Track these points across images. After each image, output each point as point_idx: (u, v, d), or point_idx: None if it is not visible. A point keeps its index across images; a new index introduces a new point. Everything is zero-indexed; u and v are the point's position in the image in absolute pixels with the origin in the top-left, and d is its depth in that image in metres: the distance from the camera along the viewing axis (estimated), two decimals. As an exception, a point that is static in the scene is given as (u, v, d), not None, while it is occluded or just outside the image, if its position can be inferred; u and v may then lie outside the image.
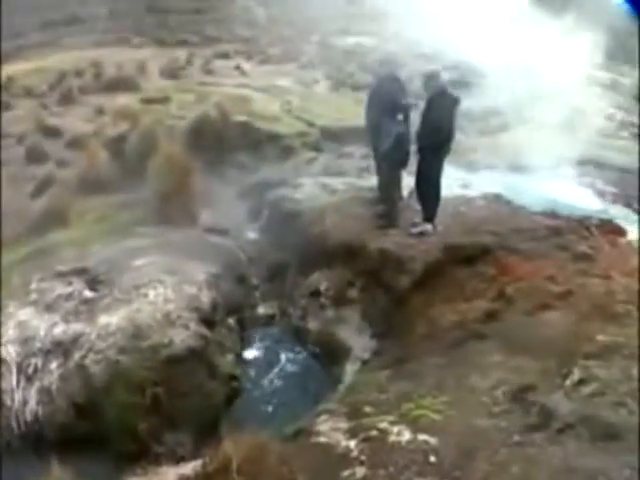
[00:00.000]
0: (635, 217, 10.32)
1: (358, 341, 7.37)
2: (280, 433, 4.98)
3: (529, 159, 11.70)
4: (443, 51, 15.81)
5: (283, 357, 7.44)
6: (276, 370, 7.18)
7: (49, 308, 6.60)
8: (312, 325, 7.79)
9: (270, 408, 6.53)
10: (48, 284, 7.07)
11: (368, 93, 9.05)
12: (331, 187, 10.16)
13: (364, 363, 6.99)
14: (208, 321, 6.78)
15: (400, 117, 8.04)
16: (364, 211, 8.87)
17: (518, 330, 5.88)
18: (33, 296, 6.84)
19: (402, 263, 7.51)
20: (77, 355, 5.95)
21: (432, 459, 4.07)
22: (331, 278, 8.02)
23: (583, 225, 8.58)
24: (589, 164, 13.03)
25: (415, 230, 8.09)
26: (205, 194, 10.11)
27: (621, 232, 8.62)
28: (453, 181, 10.22)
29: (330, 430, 4.75)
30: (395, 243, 7.85)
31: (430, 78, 7.91)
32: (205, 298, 7.03)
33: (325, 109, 16.88)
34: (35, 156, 12.81)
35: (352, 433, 4.60)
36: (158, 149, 9.80)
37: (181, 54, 24.94)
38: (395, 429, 4.48)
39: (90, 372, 5.81)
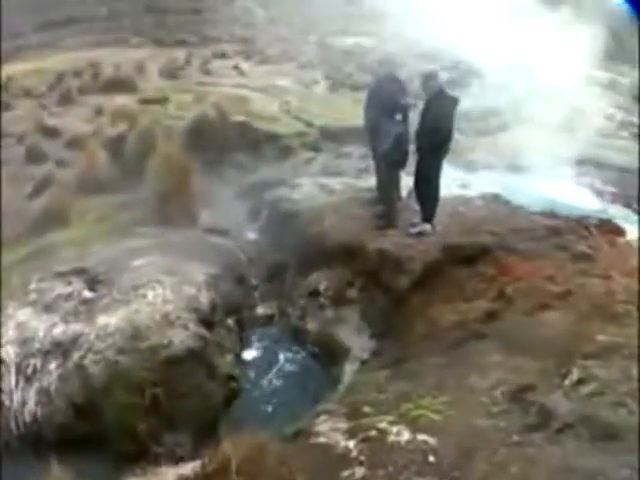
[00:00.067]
0: (634, 217, 10.33)
1: (357, 341, 7.36)
2: (279, 433, 4.98)
3: (528, 159, 11.71)
4: (442, 51, 15.82)
5: (282, 357, 7.44)
6: (275, 370, 7.18)
7: (48, 308, 6.59)
8: (311, 325, 7.79)
9: (269, 408, 6.53)
10: (47, 284, 7.06)
11: (367, 93, 9.05)
12: (330, 187, 10.16)
13: (363, 363, 6.99)
14: (207, 322, 6.78)
15: (399, 117, 8.05)
16: (363, 211, 8.87)
17: (517, 330, 5.88)
18: (32, 296, 6.83)
19: (401, 263, 7.51)
20: (76, 355, 5.95)
21: (431, 459, 4.07)
22: (330, 278, 8.01)
23: (582, 225, 8.58)
24: (588, 164, 13.05)
25: (414, 230, 8.09)
26: (204, 194, 10.11)
27: (620, 232, 8.63)
28: (452, 181, 10.22)
29: (329, 430, 4.75)
30: (394, 243, 7.85)
31: (429, 78, 7.91)
32: (204, 299, 7.03)
33: (324, 109, 16.88)
34: (34, 156, 12.80)
35: (351, 433, 4.59)
36: (157, 149, 9.80)
37: (180, 54, 24.95)
38: (394, 429, 4.48)
39: (89, 372, 5.81)
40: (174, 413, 5.87)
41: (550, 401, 4.45)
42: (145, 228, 8.88)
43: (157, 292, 6.77)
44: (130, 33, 31.61)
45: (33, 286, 7.04)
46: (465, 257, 7.62)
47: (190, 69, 22.80)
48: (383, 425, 4.56)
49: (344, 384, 6.62)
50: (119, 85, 18.62)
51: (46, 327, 6.26)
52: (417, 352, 6.31)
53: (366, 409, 5.00)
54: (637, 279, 6.35)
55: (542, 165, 11.55)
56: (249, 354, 7.51)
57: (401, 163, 8.28)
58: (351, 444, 4.43)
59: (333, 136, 14.50)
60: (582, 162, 12.77)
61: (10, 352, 5.97)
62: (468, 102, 10.85)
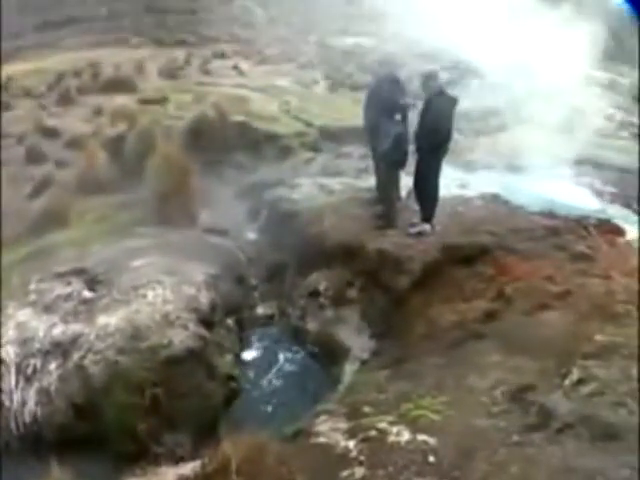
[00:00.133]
0: (634, 217, 10.33)
1: (357, 341, 7.37)
2: (279, 433, 4.98)
3: (527, 159, 11.71)
4: (442, 51, 15.82)
5: (282, 357, 7.44)
6: (275, 370, 7.18)
7: (48, 309, 6.59)
8: (311, 325, 7.79)
9: (269, 408, 6.53)
10: (47, 285, 7.07)
11: (366, 93, 9.05)
12: (329, 187, 10.17)
13: (363, 363, 6.99)
14: (207, 322, 6.78)
15: (398, 117, 8.05)
16: (362, 211, 8.88)
17: (517, 330, 5.89)
18: (32, 297, 6.83)
19: (401, 263, 7.52)
20: (76, 356, 5.95)
21: (431, 459, 4.07)
22: (330, 278, 8.02)
23: (581, 225, 8.59)
24: (587, 164, 13.05)
25: (413, 230, 8.10)
26: (203, 194, 10.11)
27: (620, 232, 8.64)
28: (451, 181, 10.23)
29: (329, 430, 4.75)
30: (393, 243, 7.85)
31: (428, 78, 7.91)
32: (204, 299, 7.03)
33: (323, 109, 16.89)
34: (34, 156, 12.79)
35: (351, 433, 4.60)
36: (156, 149, 9.80)
37: (179, 54, 24.94)
38: (394, 429, 4.48)
39: (89, 373, 5.81)
40: (174, 413, 5.87)
41: (550, 401, 4.45)
42: (145, 228, 8.88)
43: (157, 292, 6.78)
44: (130, 33, 31.59)
45: (33, 286, 7.04)
46: (464, 257, 7.63)
47: (190, 69, 22.79)
48: (383, 425, 4.57)
49: (344, 384, 6.63)
50: (119, 85, 18.61)
51: (46, 327, 6.26)
52: (417, 352, 6.31)
53: (366, 409, 5.00)
54: (636, 279, 6.36)
55: (541, 165, 11.55)
56: (249, 354, 7.51)
57: (401, 163, 8.29)
58: (351, 444, 4.43)
59: (333, 136, 14.50)
60: (581, 162, 12.77)
61: (10, 352, 5.97)
62: (467, 102, 10.84)
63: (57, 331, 6.21)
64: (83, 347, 6.00)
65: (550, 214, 9.09)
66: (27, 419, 5.67)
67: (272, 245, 9.41)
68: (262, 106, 16.47)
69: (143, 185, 9.74)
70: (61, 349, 6.04)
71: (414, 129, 7.95)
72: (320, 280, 8.08)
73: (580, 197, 11.59)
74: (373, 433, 4.49)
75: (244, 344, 7.62)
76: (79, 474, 4.62)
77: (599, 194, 11.97)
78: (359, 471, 4.06)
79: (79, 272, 7.33)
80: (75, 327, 6.24)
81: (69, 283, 7.08)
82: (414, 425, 4.51)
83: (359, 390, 5.82)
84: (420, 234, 8.02)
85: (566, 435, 4.08)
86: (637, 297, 5.87)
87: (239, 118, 14.04)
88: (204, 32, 31.21)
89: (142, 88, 18.72)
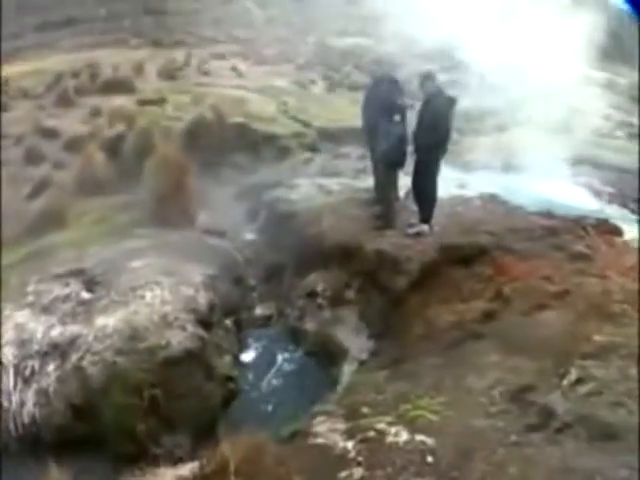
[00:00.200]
0: (632, 217, 10.34)
1: (355, 342, 7.36)
2: (277, 434, 4.99)
3: (525, 159, 11.72)
4: (440, 51, 15.82)
5: (280, 358, 7.43)
6: (273, 371, 7.17)
7: (46, 310, 6.58)
8: (309, 326, 7.78)
9: (267, 409, 6.52)
10: (45, 286, 7.06)
11: (365, 94, 9.06)
12: (328, 188, 10.18)
13: (361, 364, 6.99)
14: (205, 322, 6.77)
15: (397, 118, 8.05)
16: (361, 212, 8.89)
17: (515, 330, 5.89)
18: (30, 298, 6.82)
19: (399, 264, 7.52)
20: (74, 357, 5.94)
21: (430, 459, 4.07)
22: (328, 279, 8.02)
23: (579, 225, 8.60)
24: (585, 164, 13.07)
25: (412, 231, 8.10)
26: (202, 195, 10.11)
27: (617, 232, 8.64)
28: (449, 181, 10.24)
29: (327, 431, 4.75)
30: (392, 244, 7.85)
31: (426, 78, 7.92)
32: (202, 299, 7.02)
33: (322, 110, 16.92)
34: (32, 157, 12.79)
35: (349, 434, 4.60)
36: (155, 150, 9.80)
37: (178, 55, 24.94)
38: (393, 430, 4.48)
39: (87, 374, 5.80)
40: (172, 414, 5.87)
41: (548, 401, 4.46)
42: (143, 229, 8.87)
43: (155, 293, 6.77)
44: (128, 34, 31.64)
45: (31, 287, 7.03)
46: (463, 257, 7.63)
47: (188, 70, 22.80)
48: (381, 426, 4.57)
49: (342, 385, 6.62)
50: (117, 86, 18.61)
51: (44, 328, 6.25)
52: (415, 352, 6.32)
53: (364, 410, 5.00)
54: (633, 279, 6.37)
55: (539, 165, 11.56)
56: (247, 355, 7.50)
57: (399, 163, 8.29)
58: (349, 445, 4.43)
59: (331, 137, 14.53)
60: (579, 162, 12.80)
61: (8, 353, 5.96)
62: (466, 102, 10.85)
63: (55, 332, 6.20)
64: (81, 348, 6.00)
65: (548, 214, 9.10)
66: (26, 420, 5.66)
67: (270, 246, 9.42)
68: (260, 107, 16.49)
69: (141, 186, 9.74)
70: (59, 350, 6.03)
71: (412, 129, 7.96)
72: (318, 281, 8.08)
73: (578, 197, 11.60)
74: (371, 434, 4.49)
75: (242, 345, 7.61)
76: (78, 475, 4.63)
77: (597, 194, 11.98)
78: (357, 472, 4.06)
79: (77, 273, 7.33)
80: (73, 328, 6.24)
81: (67, 284, 7.07)
82: (412, 425, 4.51)
83: (357, 391, 5.81)
84: (418, 234, 8.02)
85: (565, 435, 4.08)
86: (635, 297, 5.87)
87: (237, 119, 14.05)
88: (203, 33, 31.26)
89: (141, 89, 18.73)
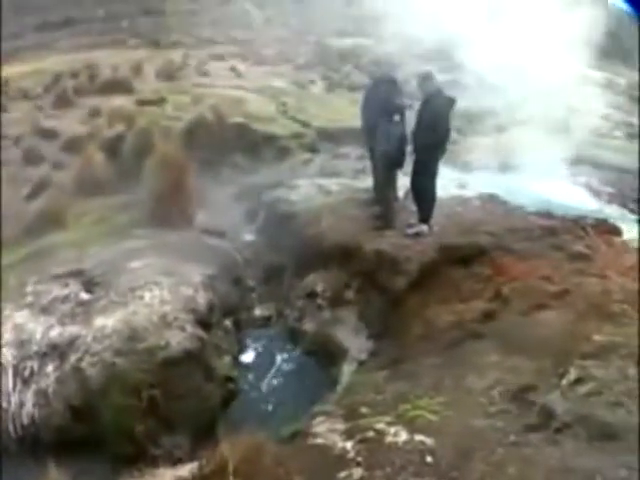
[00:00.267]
0: (631, 217, 10.35)
1: (355, 342, 7.36)
2: (277, 435, 4.99)
3: (525, 159, 11.72)
4: (440, 52, 15.83)
5: (279, 358, 7.43)
6: (273, 371, 7.17)
7: (45, 310, 6.57)
8: (309, 326, 7.78)
9: (267, 410, 6.52)
10: (44, 286, 7.05)
11: (364, 94, 9.06)
12: (327, 188, 10.18)
13: (361, 364, 6.99)
14: (204, 323, 6.77)
15: (397, 118, 8.06)
16: (360, 212, 8.89)
17: (514, 330, 5.89)
18: (29, 298, 6.82)
19: (398, 264, 7.52)
20: (73, 358, 5.94)
21: (429, 460, 4.07)
22: (327, 279, 8.02)
23: (578, 225, 8.60)
24: (584, 164, 13.08)
25: (411, 231, 8.10)
26: (201, 196, 10.10)
27: (617, 231, 8.65)
28: (449, 181, 10.26)
29: (327, 431, 4.75)
30: (391, 244, 7.85)
31: (425, 79, 7.92)
32: (201, 300, 7.02)
33: (321, 110, 16.91)
34: (31, 158, 12.78)
35: (349, 434, 4.59)
36: (154, 150, 9.79)
37: (176, 56, 24.91)
38: (392, 430, 4.48)
39: (86, 375, 5.80)
40: (172, 415, 5.86)
41: (548, 401, 4.46)
42: (142, 229, 8.86)
43: (154, 293, 6.76)
44: (127, 34, 31.63)
45: (30, 288, 7.03)
46: (462, 257, 7.64)
47: (187, 70, 22.76)
48: (381, 426, 4.57)
49: (342, 385, 6.63)
50: (116, 86, 18.59)
51: (43, 329, 6.24)
52: (414, 353, 6.32)
53: (364, 410, 5.00)
54: (633, 278, 6.37)
55: (539, 165, 11.56)
56: (247, 355, 7.50)
57: (398, 163, 8.29)
58: (349, 445, 4.43)
59: (330, 137, 14.53)
60: (579, 162, 12.80)
61: (7, 354, 5.96)
62: (465, 102, 10.86)
63: (54, 333, 6.19)
64: (80, 349, 5.99)
65: (547, 214, 9.11)
66: (25, 421, 5.66)
67: (270, 246, 9.41)
68: (260, 107, 16.49)
69: (141, 186, 9.73)
70: (58, 351, 6.02)
71: (411, 129, 7.96)
72: (317, 281, 8.08)
73: (577, 197, 11.62)
74: (371, 434, 4.49)
75: (242, 345, 7.61)
76: (77, 476, 4.62)
77: (596, 194, 12.00)
78: (357, 472, 4.06)
79: (76, 274, 7.32)
80: (72, 329, 6.23)
81: (66, 285, 7.06)
82: (412, 426, 4.51)
83: (357, 391, 5.82)
84: (418, 235, 8.02)
85: (564, 435, 4.08)
86: (634, 297, 5.88)
87: (237, 119, 14.05)
88: (201, 34, 31.25)
89: (139, 89, 18.71)
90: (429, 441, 4.27)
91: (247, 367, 7.27)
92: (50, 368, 5.92)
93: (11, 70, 22.17)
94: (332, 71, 23.03)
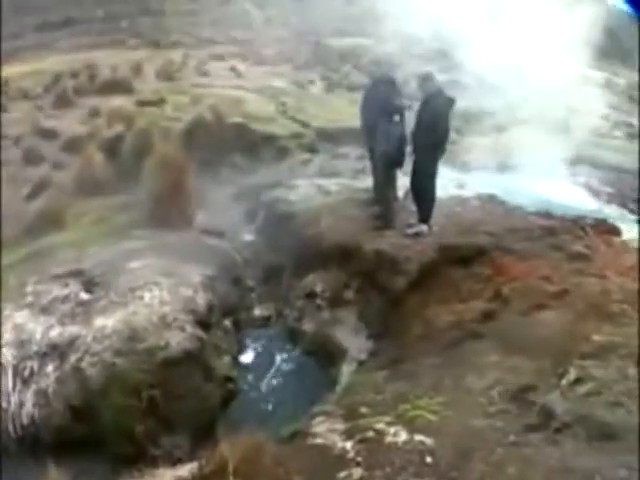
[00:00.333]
0: (630, 217, 10.35)
1: (354, 342, 7.36)
2: (276, 435, 4.98)
3: (524, 159, 11.72)
4: (439, 52, 15.85)
5: (279, 358, 7.43)
6: (272, 371, 7.17)
7: (45, 311, 6.57)
8: (308, 326, 7.78)
9: (266, 410, 6.52)
10: (44, 286, 7.05)
11: (363, 94, 9.07)
12: (326, 188, 10.18)
13: (360, 364, 6.99)
14: (204, 323, 6.77)
15: (397, 118, 8.06)
16: (359, 212, 8.89)
17: (514, 330, 5.89)
18: (29, 298, 6.81)
19: (398, 264, 7.52)
20: (73, 358, 5.94)
21: (429, 460, 4.07)
22: (327, 280, 8.02)
23: (578, 225, 8.61)
24: (584, 164, 13.08)
25: (410, 231, 8.10)
26: (200, 196, 10.10)
27: (616, 231, 8.65)
28: (448, 181, 10.26)
29: (326, 431, 4.75)
30: (390, 244, 7.85)
31: (424, 79, 7.93)
32: (201, 300, 7.02)
33: (320, 110, 16.92)
34: (31, 158, 12.78)
35: (348, 434, 4.60)
36: (153, 151, 9.78)
37: (176, 56, 24.92)
38: (392, 430, 4.48)
39: (86, 375, 5.80)
40: (171, 415, 5.86)
41: (547, 401, 4.46)
42: (142, 230, 8.86)
43: (154, 294, 6.76)
44: (127, 35, 31.63)
45: (30, 288, 7.03)
46: (461, 257, 7.64)
47: (186, 71, 22.77)
48: (380, 426, 4.57)
49: (341, 385, 6.63)
50: (115, 87, 18.60)
51: (43, 329, 6.24)
52: (414, 353, 6.32)
53: (363, 410, 5.00)
54: (632, 278, 6.37)
55: (538, 165, 11.57)
56: (246, 355, 7.50)
57: (398, 163, 8.30)
58: (348, 445, 4.43)
59: (329, 137, 14.54)
60: (578, 162, 12.81)
61: (7, 354, 5.96)
62: (464, 102, 10.86)
63: (54, 333, 6.19)
64: (80, 349, 5.99)
65: (547, 214, 9.11)
66: (25, 421, 5.66)
67: (269, 246, 9.41)
68: (259, 107, 16.50)
69: (140, 186, 9.72)
70: (58, 351, 6.02)
71: (411, 129, 7.97)
72: (317, 281, 8.08)
73: (577, 197, 11.62)
74: (370, 434, 4.49)
75: (241, 345, 7.61)
76: (77, 476, 4.62)
77: (595, 194, 12.00)
78: (356, 472, 4.06)
79: (76, 274, 7.32)
80: (72, 329, 6.23)
81: (66, 285, 7.06)
82: (411, 426, 4.51)
83: (356, 391, 5.82)
84: (417, 235, 8.02)
85: (563, 435, 4.08)
86: (633, 297, 5.88)
87: (236, 119, 14.05)
88: (201, 34, 31.26)
89: (139, 90, 18.72)
90: (429, 441, 4.27)
91: (247, 367, 7.26)
92: (50, 368, 5.92)
93: (11, 70, 22.19)
94: (331, 71, 23.05)
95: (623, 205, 11.30)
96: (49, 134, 14.28)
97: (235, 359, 7.24)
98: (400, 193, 9.12)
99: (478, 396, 4.87)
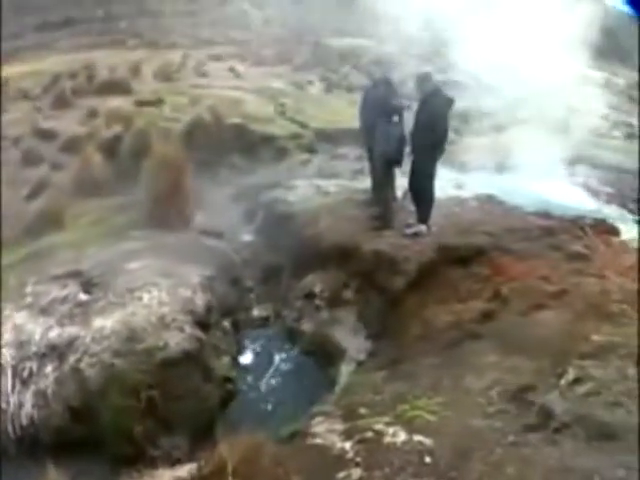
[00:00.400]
0: (629, 217, 10.35)
1: (353, 342, 7.36)
2: (276, 435, 4.98)
3: (523, 159, 11.72)
4: (438, 52, 15.85)
5: (278, 359, 7.43)
6: (271, 372, 7.17)
7: (44, 311, 6.57)
8: (307, 327, 7.78)
9: (265, 410, 6.52)
10: (43, 287, 7.05)
11: (362, 94, 9.08)
12: (325, 189, 10.19)
13: (359, 364, 6.98)
14: (203, 324, 6.76)
15: (395, 118, 8.07)
16: (358, 213, 8.90)
17: (513, 330, 5.89)
18: (28, 299, 6.81)
19: (396, 264, 7.52)
20: (72, 358, 5.93)
21: (428, 460, 4.07)
22: (325, 280, 8.02)
23: (577, 225, 8.61)
24: (583, 164, 13.08)
25: (409, 231, 8.10)
26: (199, 196, 10.09)
27: (615, 232, 8.65)
28: (447, 182, 10.26)
29: (325, 432, 4.75)
30: (389, 244, 7.85)
31: (423, 79, 7.93)
32: (200, 301, 7.01)
33: (319, 111, 16.92)
34: (30, 159, 12.78)
35: (347, 434, 4.59)
36: (152, 152, 9.78)
37: (175, 56, 24.91)
38: (390, 430, 4.48)
39: (85, 375, 5.79)
40: (170, 415, 5.86)
41: (546, 401, 4.45)
42: (140, 231, 8.86)
43: (153, 294, 6.76)
44: (125, 35, 31.62)
45: (29, 289, 7.02)
46: (460, 258, 7.64)
47: (185, 71, 22.77)
48: (379, 426, 4.56)
49: (340, 385, 6.62)
50: (114, 87, 18.59)
51: (42, 330, 6.24)
52: (413, 353, 6.31)
53: (362, 410, 5.00)
54: (631, 278, 6.37)
55: (537, 165, 11.57)
56: (245, 356, 7.49)
57: (397, 164, 8.31)
58: (347, 445, 4.43)
59: (328, 137, 14.54)
60: (577, 162, 12.81)
61: (6, 355, 5.95)
62: (463, 102, 10.86)
63: (53, 334, 6.19)
64: (79, 350, 5.99)
65: (545, 214, 9.11)
66: (24, 422, 5.65)
67: (268, 247, 9.41)
68: (258, 108, 16.50)
69: (139, 187, 9.72)
70: (57, 352, 6.02)
71: (410, 130, 7.97)
72: (316, 281, 8.08)
73: (576, 197, 11.61)
74: (369, 434, 4.49)
75: (240, 346, 7.60)
76: (76, 477, 4.63)
77: (594, 194, 11.99)
78: (356, 472, 4.05)
79: (75, 275, 7.31)
80: (71, 330, 6.23)
81: (65, 286, 7.06)
82: (410, 426, 4.50)
83: (355, 391, 5.82)
84: (416, 235, 8.02)
85: (563, 435, 4.08)
86: (633, 297, 5.88)
87: (235, 120, 14.06)
88: (199, 34, 31.25)
89: (137, 90, 18.71)
90: (428, 441, 4.27)
91: (245, 368, 7.26)
92: (49, 369, 5.91)
93: (11, 70, 22.20)
94: (330, 72, 23.05)
95: (622, 205, 11.29)
96: (48, 135, 14.28)
97: (234, 359, 7.23)
98: (399, 193, 9.13)
99: (477, 396, 4.87)
